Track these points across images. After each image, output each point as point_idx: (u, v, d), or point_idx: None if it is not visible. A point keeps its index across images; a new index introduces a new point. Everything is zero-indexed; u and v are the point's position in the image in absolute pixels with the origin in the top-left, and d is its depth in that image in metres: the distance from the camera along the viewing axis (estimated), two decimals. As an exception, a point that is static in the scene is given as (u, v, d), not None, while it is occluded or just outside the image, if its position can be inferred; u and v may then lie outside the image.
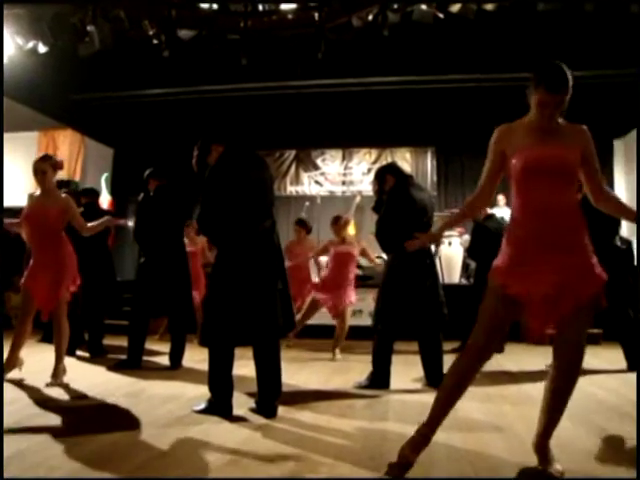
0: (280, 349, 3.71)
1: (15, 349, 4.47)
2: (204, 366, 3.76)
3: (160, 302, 5.37)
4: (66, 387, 4.33)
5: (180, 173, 5.69)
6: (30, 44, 7.15)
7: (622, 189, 10.02)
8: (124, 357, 5.39)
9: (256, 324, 3.55)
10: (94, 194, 6.58)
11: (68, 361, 4.57)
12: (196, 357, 5.43)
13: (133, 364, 5.26)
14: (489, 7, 6.69)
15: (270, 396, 3.60)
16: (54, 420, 3.43)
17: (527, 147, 2.50)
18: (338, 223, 6.37)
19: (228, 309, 3.53)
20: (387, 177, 4.74)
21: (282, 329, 3.69)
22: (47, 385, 4.33)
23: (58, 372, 4.44)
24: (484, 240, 6.75)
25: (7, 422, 3.28)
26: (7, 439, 2.94)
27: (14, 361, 4.49)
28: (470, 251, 7.25)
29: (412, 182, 4.78)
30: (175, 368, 5.36)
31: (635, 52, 6.85)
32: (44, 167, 4.47)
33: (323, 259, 6.82)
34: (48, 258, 4.47)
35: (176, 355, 5.44)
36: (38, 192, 4.61)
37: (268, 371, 3.62)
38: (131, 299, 5.60)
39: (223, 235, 3.64)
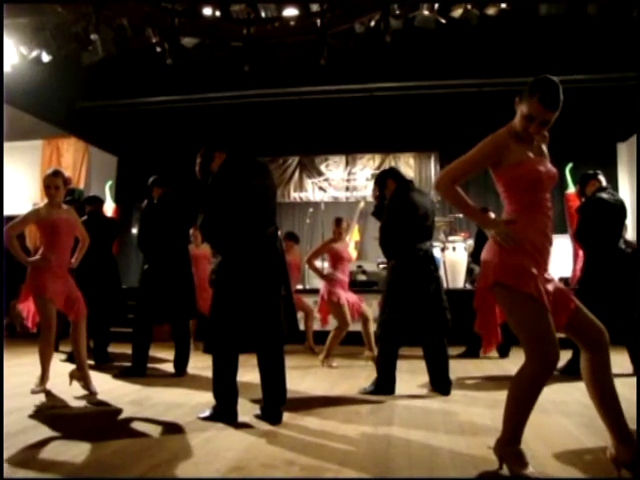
0: (284, 355, 3.71)
1: (46, 369, 4.41)
2: (209, 373, 3.75)
3: (164, 309, 5.39)
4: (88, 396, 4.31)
5: (184, 180, 5.71)
6: (34, 53, 7.20)
7: (626, 192, 10.02)
8: (129, 364, 5.40)
9: (260, 330, 3.55)
10: (98, 202, 6.60)
11: (72, 369, 4.56)
12: (200, 364, 5.43)
13: (138, 371, 5.27)
14: (491, 12, 6.69)
15: (275, 402, 3.60)
16: (59, 428, 3.43)
17: (532, 161, 2.52)
18: (341, 225, 6.34)
19: (232, 316, 3.53)
20: (388, 182, 4.73)
21: (286, 335, 3.69)
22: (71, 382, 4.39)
23: (85, 376, 4.39)
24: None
25: (12, 430, 3.29)
26: (12, 447, 2.95)
27: (46, 380, 4.43)
28: (474, 256, 7.25)
29: (413, 187, 4.77)
30: (180, 375, 5.36)
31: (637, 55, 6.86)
32: (57, 182, 4.44)
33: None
34: (66, 269, 4.48)
35: (181, 362, 5.45)
36: (45, 204, 4.53)
37: (273, 377, 3.61)
38: (135, 306, 5.60)
39: (226, 242, 3.64)
